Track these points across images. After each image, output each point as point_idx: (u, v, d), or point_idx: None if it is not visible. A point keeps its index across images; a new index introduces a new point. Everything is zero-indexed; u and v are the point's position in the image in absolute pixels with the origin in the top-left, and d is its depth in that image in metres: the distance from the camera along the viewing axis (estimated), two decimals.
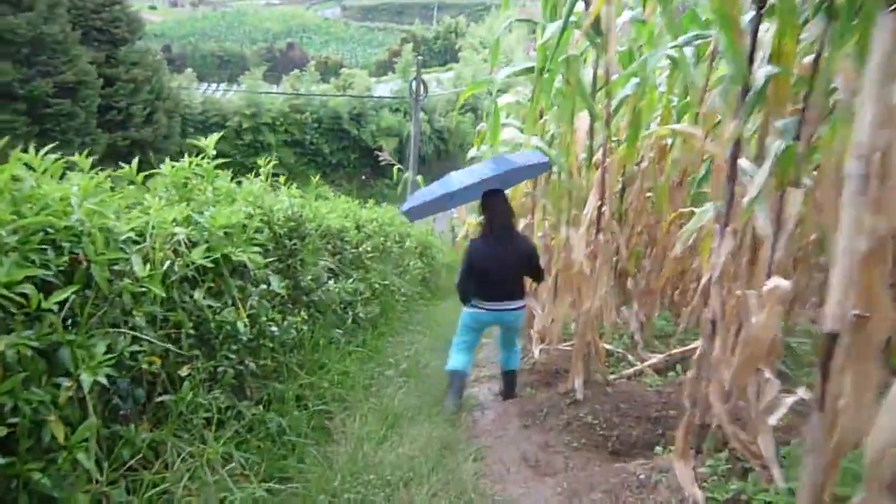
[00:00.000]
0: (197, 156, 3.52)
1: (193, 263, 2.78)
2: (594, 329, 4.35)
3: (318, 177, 5.72)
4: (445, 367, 4.53)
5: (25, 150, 2.33)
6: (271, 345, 3.58)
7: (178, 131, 19.87)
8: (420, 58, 21.74)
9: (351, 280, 5.68)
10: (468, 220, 10.30)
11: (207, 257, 2.83)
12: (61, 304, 2.04)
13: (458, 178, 4.34)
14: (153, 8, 73.84)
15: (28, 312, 1.96)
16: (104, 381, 2.08)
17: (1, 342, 1.83)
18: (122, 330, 2.34)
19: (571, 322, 5.09)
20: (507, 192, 4.74)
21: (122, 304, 2.37)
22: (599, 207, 4.20)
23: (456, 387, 4.43)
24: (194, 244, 2.90)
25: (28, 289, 1.93)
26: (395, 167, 14.82)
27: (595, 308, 4.25)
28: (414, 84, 20.35)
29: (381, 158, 13.69)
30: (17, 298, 1.91)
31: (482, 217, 4.47)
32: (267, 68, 36.10)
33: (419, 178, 14.35)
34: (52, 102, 14.73)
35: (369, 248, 6.58)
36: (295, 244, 4.27)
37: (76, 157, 2.89)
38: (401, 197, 14.84)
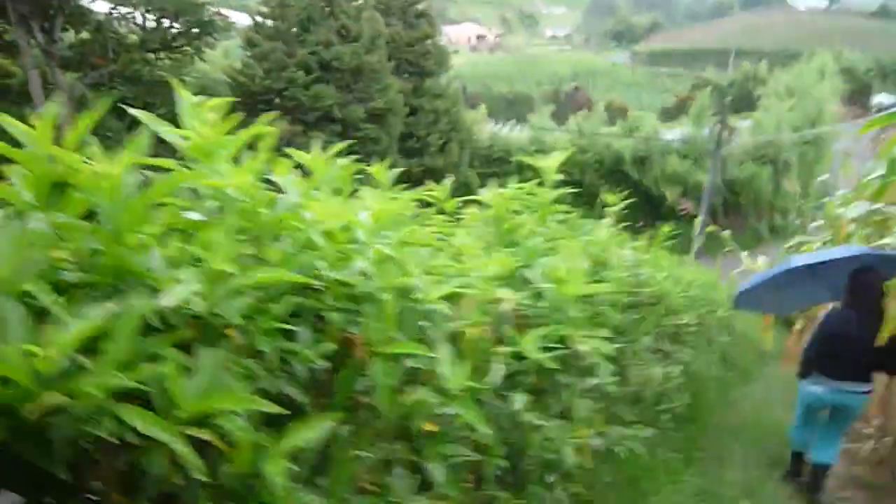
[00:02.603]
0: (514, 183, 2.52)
1: (523, 358, 1.68)
2: None
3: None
4: (812, 458, 4.05)
5: None
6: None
7: (467, 162, 20.23)
8: (728, 99, 19.47)
9: (667, 362, 4.33)
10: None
11: (548, 349, 1.71)
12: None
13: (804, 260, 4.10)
14: (455, 52, 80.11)
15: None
16: None
17: None
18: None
19: None
20: None
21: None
22: None
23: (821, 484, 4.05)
24: (524, 320, 1.81)
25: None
26: (689, 215, 13.01)
27: None
28: (712, 130, 18.16)
29: (681, 208, 12.05)
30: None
31: (847, 293, 3.99)
32: (553, 109, 36.25)
33: (726, 232, 12.33)
34: (363, 127, 15.71)
35: (692, 320, 5.12)
36: (627, 318, 3.04)
37: (374, 168, 2.04)
38: (690, 250, 13.16)
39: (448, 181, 2.43)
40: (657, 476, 3.37)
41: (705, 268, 9.02)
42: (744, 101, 51.55)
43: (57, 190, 0.99)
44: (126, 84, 21.04)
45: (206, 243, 1.00)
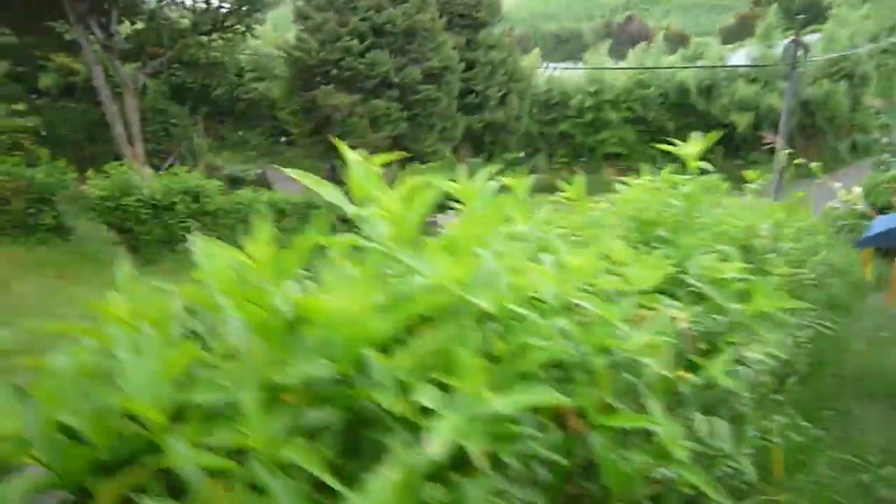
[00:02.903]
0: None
1: (711, 387, 1.55)
2: None
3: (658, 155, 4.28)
4: None
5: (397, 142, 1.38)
6: None
7: (528, 112, 19.76)
8: (801, 17, 18.18)
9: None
10: None
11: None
12: None
13: None
14: None
15: None
16: None
17: None
18: None
19: None
20: None
21: None
22: None
23: None
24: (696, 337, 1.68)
25: None
26: (771, 147, 12.33)
27: None
28: (786, 48, 17.03)
29: (766, 141, 11.42)
30: None
31: None
32: (609, 44, 34.82)
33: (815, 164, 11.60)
34: (421, 89, 15.49)
35: (808, 273, 4.82)
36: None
37: (511, 180, 1.91)
38: (769, 184, 12.47)
39: (526, 180, 2.23)
40: (799, 449, 3.21)
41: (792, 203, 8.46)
42: (812, 13, 48.28)
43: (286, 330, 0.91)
44: (183, 69, 21.36)
45: (448, 361, 0.91)
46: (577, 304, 1.31)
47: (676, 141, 2.43)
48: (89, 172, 12.86)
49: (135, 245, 12.98)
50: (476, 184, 1.68)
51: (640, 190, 2.32)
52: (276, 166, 23.54)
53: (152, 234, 13.02)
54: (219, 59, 20.52)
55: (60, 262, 12.02)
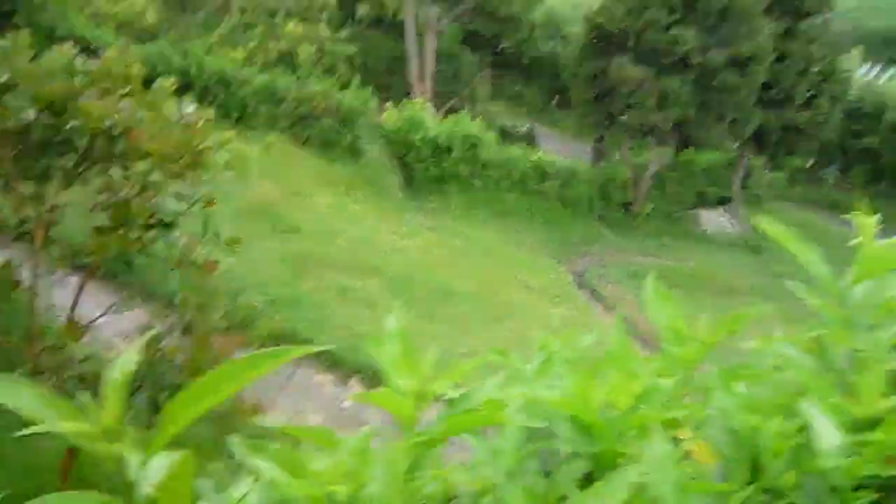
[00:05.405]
0: None
1: None
2: None
3: None
4: None
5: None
6: None
7: (837, 118, 17.41)
8: None
9: None
10: None
11: None
12: None
13: None
14: None
15: None
16: None
17: None
18: None
19: None
20: None
21: None
22: None
23: None
24: None
25: None
26: None
27: None
28: None
29: None
30: None
31: None
32: None
33: None
34: (721, 74, 14.34)
35: None
36: None
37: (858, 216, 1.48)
38: None
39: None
40: None
41: None
42: None
43: None
44: (481, 18, 22.09)
45: None
46: None
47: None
48: (388, 104, 14.01)
49: (411, 178, 13.99)
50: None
51: None
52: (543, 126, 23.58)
53: (428, 172, 13.92)
54: (516, 14, 20.89)
55: (348, 180, 13.37)
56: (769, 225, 1.42)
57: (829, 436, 0.87)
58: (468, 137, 14.07)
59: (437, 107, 18.17)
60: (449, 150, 13.89)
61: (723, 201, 17.77)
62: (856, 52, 27.99)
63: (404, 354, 0.96)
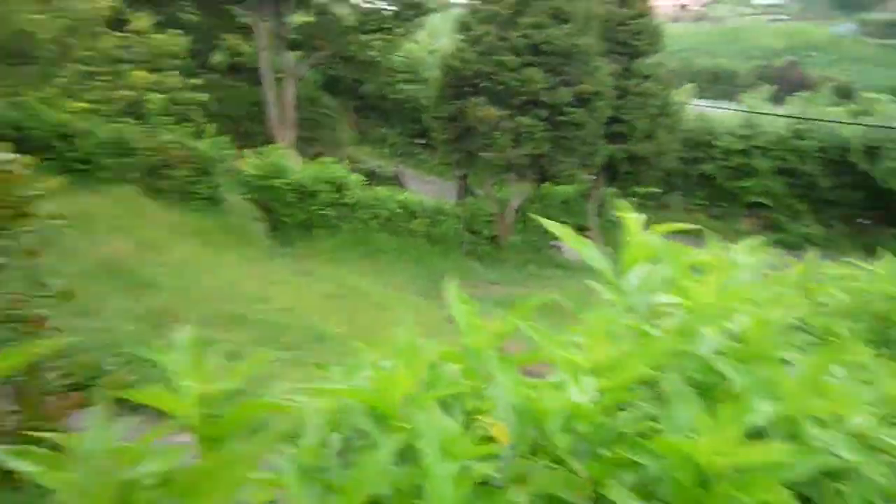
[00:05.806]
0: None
1: None
2: None
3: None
4: None
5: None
6: None
7: (675, 149, 19.03)
8: None
9: None
10: None
11: None
12: None
13: None
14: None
15: None
16: None
17: None
18: None
19: None
20: None
21: None
22: None
23: None
24: None
25: None
26: None
27: None
28: None
29: None
30: None
31: None
32: (771, 89, 32.92)
33: None
34: (569, 111, 15.30)
35: None
36: None
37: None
38: None
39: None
40: None
41: None
42: None
43: None
44: (341, 64, 22.30)
45: None
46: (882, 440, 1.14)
47: None
48: (246, 151, 13.71)
49: (276, 224, 13.68)
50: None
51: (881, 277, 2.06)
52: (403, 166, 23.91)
53: (294, 217, 13.68)
54: (376, 59, 21.29)
55: (208, 231, 12.86)
56: (555, 228, 1.55)
57: (577, 396, 0.98)
58: (334, 180, 14.04)
59: (302, 152, 18.01)
60: (314, 194, 13.77)
61: (581, 229, 18.80)
62: (689, 87, 30.95)
63: (192, 361, 1.03)
